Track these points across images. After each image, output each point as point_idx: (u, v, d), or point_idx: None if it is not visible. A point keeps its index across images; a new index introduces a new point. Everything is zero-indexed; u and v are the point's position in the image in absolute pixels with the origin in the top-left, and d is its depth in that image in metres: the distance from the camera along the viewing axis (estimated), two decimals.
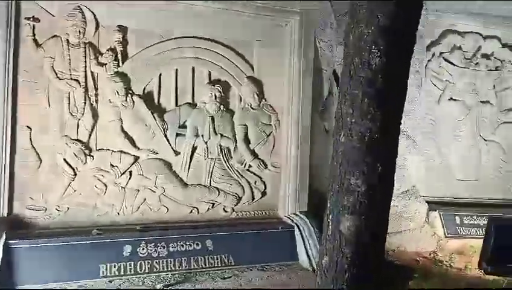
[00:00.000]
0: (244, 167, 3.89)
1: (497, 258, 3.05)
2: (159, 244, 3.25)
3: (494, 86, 5.08)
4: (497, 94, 5.09)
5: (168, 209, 3.64)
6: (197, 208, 3.73)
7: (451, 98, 4.95)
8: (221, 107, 3.81)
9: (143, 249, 3.19)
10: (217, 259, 3.33)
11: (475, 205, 4.76)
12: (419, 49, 4.55)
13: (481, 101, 5.03)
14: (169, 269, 3.22)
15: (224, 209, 3.81)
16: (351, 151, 1.95)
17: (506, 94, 5.12)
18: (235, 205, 3.83)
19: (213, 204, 3.77)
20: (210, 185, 3.77)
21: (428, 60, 4.88)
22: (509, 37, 5.10)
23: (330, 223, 2.01)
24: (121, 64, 3.50)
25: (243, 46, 3.85)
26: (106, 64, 3.41)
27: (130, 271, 3.11)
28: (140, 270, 3.13)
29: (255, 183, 3.91)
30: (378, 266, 2.03)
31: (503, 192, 4.96)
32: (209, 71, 3.81)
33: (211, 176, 3.79)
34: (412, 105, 4.49)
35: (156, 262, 3.19)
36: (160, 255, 3.23)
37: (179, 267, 3.23)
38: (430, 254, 3.96)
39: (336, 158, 2.01)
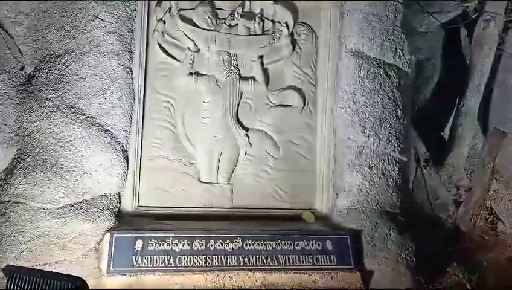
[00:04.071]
0: None
1: None
2: None
3: (261, 56, 3.75)
4: (267, 68, 3.77)
5: None
6: None
7: (197, 72, 3.63)
8: None
9: None
10: None
11: (215, 218, 3.51)
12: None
13: (242, 77, 3.71)
14: None
15: None
16: None
17: (278, 68, 3.80)
18: None
19: None
20: None
21: (159, 20, 3.54)
22: None
23: None
24: None
25: None
26: None
27: None
28: None
29: None
30: None
31: (265, 198, 3.67)
32: None
33: None
34: (108, 82, 3.16)
35: None
36: None
37: None
38: None
39: None
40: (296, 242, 3.14)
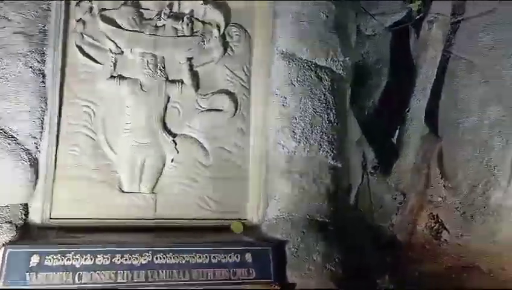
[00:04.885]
0: None
1: None
2: None
3: (190, 58, 3.57)
4: (196, 70, 3.59)
5: None
6: None
7: (120, 76, 3.44)
8: None
9: None
10: None
11: (137, 230, 3.31)
12: None
13: (169, 80, 3.53)
14: None
15: None
16: None
17: (209, 71, 3.63)
18: None
19: None
20: None
21: (78, 20, 3.36)
22: None
23: None
24: None
25: None
26: None
27: None
28: None
29: None
30: None
31: (192, 208, 3.48)
32: None
33: None
34: (13, 84, 2.96)
35: None
36: None
37: None
38: None
39: None
40: (212, 255, 2.95)
